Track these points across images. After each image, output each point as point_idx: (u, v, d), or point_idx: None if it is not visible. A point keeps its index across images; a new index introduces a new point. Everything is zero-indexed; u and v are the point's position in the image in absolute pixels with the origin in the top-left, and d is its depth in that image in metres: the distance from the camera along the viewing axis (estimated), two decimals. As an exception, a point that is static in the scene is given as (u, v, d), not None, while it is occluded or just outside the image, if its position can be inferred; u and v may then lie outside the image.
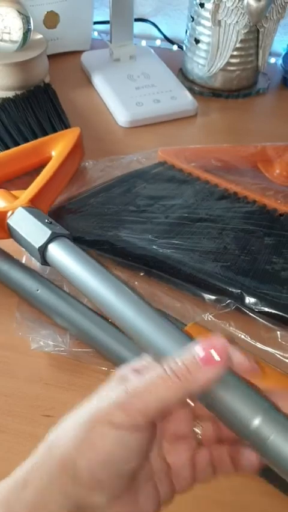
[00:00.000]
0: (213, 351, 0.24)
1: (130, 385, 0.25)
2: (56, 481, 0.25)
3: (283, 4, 0.67)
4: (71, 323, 0.42)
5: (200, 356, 0.24)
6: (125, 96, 0.70)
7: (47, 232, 0.41)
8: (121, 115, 0.68)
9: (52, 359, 0.42)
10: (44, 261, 0.41)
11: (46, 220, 0.42)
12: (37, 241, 0.41)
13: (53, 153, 0.57)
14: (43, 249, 0.40)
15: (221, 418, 0.27)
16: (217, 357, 0.24)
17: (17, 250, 0.48)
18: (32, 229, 0.42)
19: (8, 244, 0.49)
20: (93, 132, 0.66)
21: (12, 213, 0.45)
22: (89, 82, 0.76)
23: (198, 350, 0.25)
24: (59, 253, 0.39)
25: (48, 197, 0.51)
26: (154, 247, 0.48)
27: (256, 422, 0.26)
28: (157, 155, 0.60)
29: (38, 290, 0.44)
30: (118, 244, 0.49)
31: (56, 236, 0.40)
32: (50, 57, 0.74)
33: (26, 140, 0.60)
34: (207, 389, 0.25)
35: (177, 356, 0.25)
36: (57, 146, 0.57)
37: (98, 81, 0.74)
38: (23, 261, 0.48)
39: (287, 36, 0.83)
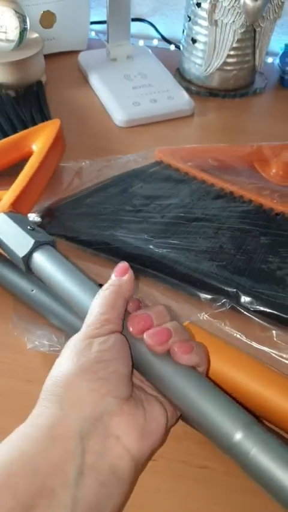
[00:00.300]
0: (119, 268, 0.35)
1: (92, 309, 0.33)
2: (67, 399, 0.29)
3: (280, 4, 0.67)
4: (66, 323, 0.42)
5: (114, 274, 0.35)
6: (122, 96, 0.70)
7: (30, 242, 0.40)
8: (118, 115, 0.68)
9: (48, 358, 0.42)
10: (29, 269, 0.40)
11: (29, 227, 0.42)
12: (20, 251, 0.40)
13: (34, 147, 0.55)
14: (27, 259, 0.40)
15: (202, 430, 0.29)
16: (126, 266, 0.35)
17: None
18: (15, 238, 0.41)
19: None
20: (90, 132, 0.66)
21: None
22: (86, 81, 0.76)
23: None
24: (42, 262, 0.39)
25: (30, 198, 0.50)
26: (150, 246, 0.48)
27: (238, 436, 0.27)
28: (154, 154, 0.60)
29: (33, 291, 0.44)
30: (114, 244, 0.49)
31: (39, 245, 0.40)
32: (47, 57, 0.74)
33: (6, 136, 0.59)
34: (131, 286, 0.34)
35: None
36: (38, 140, 0.56)
37: (95, 81, 0.74)
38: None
39: (284, 36, 0.83)
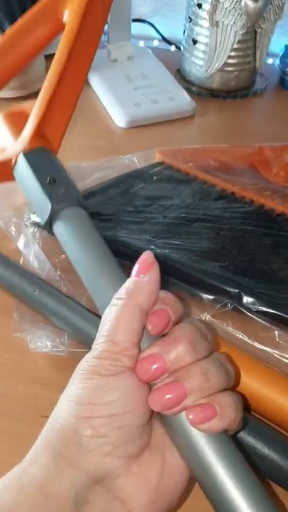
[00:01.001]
0: (140, 263, 0.28)
1: (97, 338, 0.27)
2: (62, 454, 0.24)
3: (280, 5, 0.67)
4: (69, 324, 0.42)
5: (134, 272, 0.27)
6: (122, 96, 0.70)
7: (47, 206, 0.33)
8: (119, 116, 0.68)
9: (50, 359, 0.42)
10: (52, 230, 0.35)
11: (48, 180, 0.34)
12: (41, 214, 0.34)
13: (66, 15, 0.37)
14: (48, 225, 0.34)
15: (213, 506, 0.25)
16: (149, 260, 0.27)
17: (14, 252, 0.48)
18: (34, 194, 0.34)
19: (5, 246, 0.49)
20: (90, 132, 0.66)
21: (15, 161, 0.35)
22: (86, 82, 0.76)
23: (133, 270, 0.28)
24: (62, 231, 0.33)
25: (62, 111, 0.37)
26: (152, 247, 0.48)
27: None
28: (155, 155, 0.60)
29: (35, 292, 0.44)
30: (116, 245, 0.49)
31: (62, 209, 0.33)
32: (48, 57, 0.74)
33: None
34: (153, 293, 0.27)
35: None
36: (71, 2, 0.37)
37: (95, 81, 0.74)
38: (20, 262, 0.48)
39: (285, 37, 0.83)
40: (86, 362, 0.26)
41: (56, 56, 0.36)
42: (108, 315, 0.27)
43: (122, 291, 0.27)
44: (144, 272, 0.27)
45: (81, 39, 0.36)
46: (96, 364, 0.25)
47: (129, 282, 0.27)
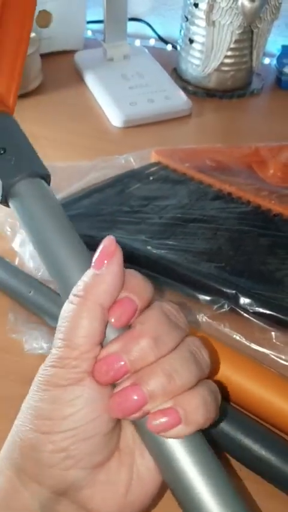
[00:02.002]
0: (100, 252, 0.24)
1: (55, 339, 0.24)
2: (24, 468, 0.23)
3: (277, 5, 0.67)
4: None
5: (93, 263, 0.24)
6: (118, 96, 0.69)
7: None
8: (115, 115, 0.67)
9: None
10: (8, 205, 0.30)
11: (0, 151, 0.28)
12: None
13: None
14: (4, 201, 0.29)
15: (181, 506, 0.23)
16: (111, 248, 0.24)
17: (9, 252, 0.48)
18: None
19: (0, 246, 0.49)
20: (86, 132, 0.66)
21: None
22: (82, 81, 0.75)
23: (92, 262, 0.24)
24: (18, 205, 0.28)
25: (12, 54, 0.31)
26: (148, 247, 0.48)
27: None
28: (151, 155, 0.60)
29: (30, 292, 0.43)
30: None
31: (14, 184, 0.28)
32: (43, 56, 0.74)
33: None
34: (116, 288, 0.24)
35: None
36: None
37: (91, 80, 0.74)
38: (16, 263, 0.48)
39: (281, 37, 0.83)
40: (43, 371, 0.24)
41: None
42: (65, 314, 0.24)
43: (80, 287, 0.24)
44: (107, 261, 0.23)
45: None
46: (52, 374, 0.23)
47: (87, 276, 0.24)
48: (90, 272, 0.24)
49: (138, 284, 0.24)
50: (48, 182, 0.29)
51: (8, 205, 0.29)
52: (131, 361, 0.23)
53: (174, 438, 0.23)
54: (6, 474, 0.23)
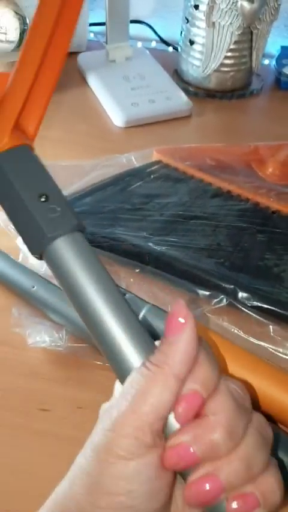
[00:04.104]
0: (172, 318, 0.23)
1: (119, 404, 0.23)
2: None
3: (276, 6, 0.68)
4: (67, 319, 0.43)
5: (166, 329, 0.23)
6: (120, 96, 0.70)
7: (39, 234, 0.25)
8: (117, 115, 0.68)
9: (48, 354, 0.43)
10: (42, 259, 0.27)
11: (39, 196, 0.25)
12: (29, 243, 0.26)
13: None
14: (39, 256, 0.26)
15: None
16: (181, 320, 0.23)
17: (13, 248, 0.49)
18: (18, 215, 0.26)
19: (4, 243, 0.50)
20: (89, 132, 0.67)
21: None
22: (85, 82, 0.76)
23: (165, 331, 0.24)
24: (57, 264, 0.25)
25: (44, 92, 0.29)
26: (149, 244, 0.48)
27: None
28: (152, 154, 0.61)
29: (33, 287, 0.44)
30: (114, 242, 0.49)
31: (58, 237, 0.25)
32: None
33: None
34: (191, 357, 0.23)
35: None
36: None
37: (94, 81, 0.75)
38: (19, 259, 0.48)
39: (281, 38, 0.84)
40: (103, 435, 0.23)
41: (33, 25, 0.29)
42: (135, 380, 0.23)
43: (157, 356, 0.23)
44: (178, 330, 0.23)
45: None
46: (115, 443, 0.22)
47: (164, 345, 0.23)
48: (164, 342, 0.23)
49: (206, 371, 0.23)
50: (82, 230, 0.27)
51: (41, 259, 0.26)
52: (203, 453, 0.22)
53: None
54: None
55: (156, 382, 0.22)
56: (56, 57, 0.29)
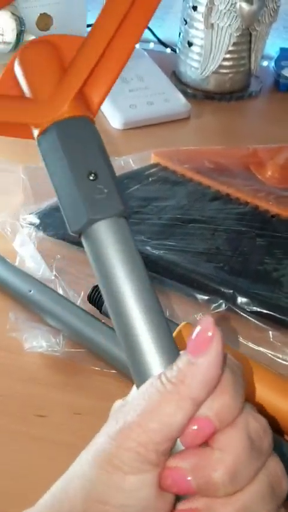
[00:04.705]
0: (197, 336, 0.21)
1: (127, 413, 0.21)
2: None
3: (275, 8, 0.68)
4: (64, 324, 0.43)
5: (190, 346, 0.21)
6: (118, 98, 0.70)
7: (81, 213, 0.24)
8: (115, 117, 0.68)
9: (45, 359, 0.42)
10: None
11: (88, 174, 0.24)
12: (70, 219, 0.25)
13: None
14: (78, 234, 0.25)
15: None
16: (208, 336, 0.21)
17: (10, 252, 0.49)
18: (63, 188, 0.25)
19: (1, 246, 0.50)
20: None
21: (43, 130, 0.25)
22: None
23: (188, 345, 0.21)
24: (96, 248, 0.24)
25: (114, 63, 0.28)
26: (147, 248, 0.48)
27: None
28: (150, 157, 0.60)
29: (30, 291, 0.44)
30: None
31: (98, 220, 0.24)
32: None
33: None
34: (213, 382, 0.21)
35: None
36: None
37: (91, 83, 0.74)
38: (16, 263, 0.48)
39: (279, 40, 0.83)
40: (105, 442, 0.21)
41: None
42: (148, 392, 0.21)
43: (174, 372, 0.21)
44: (203, 350, 0.21)
45: None
46: (115, 454, 0.21)
47: (183, 362, 0.21)
48: (186, 359, 0.21)
49: (227, 399, 0.21)
50: (126, 217, 0.25)
51: (79, 238, 0.25)
52: (198, 486, 0.21)
53: None
54: None
55: (170, 401, 0.21)
56: (133, 28, 0.27)
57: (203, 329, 0.21)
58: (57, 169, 0.25)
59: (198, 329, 0.21)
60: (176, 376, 0.21)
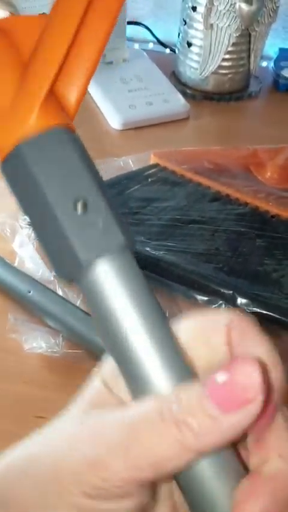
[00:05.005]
0: (233, 389, 0.16)
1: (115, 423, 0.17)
2: None
3: (274, 8, 0.68)
4: (63, 325, 0.43)
5: (212, 396, 0.16)
6: (117, 99, 0.70)
7: (72, 255, 0.18)
8: (114, 118, 0.68)
9: (45, 360, 0.42)
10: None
11: (75, 205, 0.18)
12: (58, 264, 0.19)
13: None
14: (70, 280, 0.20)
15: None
16: (250, 394, 0.15)
17: (9, 252, 0.48)
18: (47, 232, 0.19)
19: (0, 247, 0.49)
20: (85, 135, 0.66)
21: (5, 157, 0.19)
22: (81, 84, 0.76)
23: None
24: (96, 296, 0.19)
25: (88, 55, 0.20)
26: (147, 249, 0.48)
27: None
28: (150, 157, 0.60)
29: (30, 292, 0.44)
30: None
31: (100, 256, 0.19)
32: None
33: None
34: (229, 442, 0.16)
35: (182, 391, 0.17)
36: None
37: (90, 84, 0.73)
38: (15, 264, 0.48)
39: (278, 40, 0.83)
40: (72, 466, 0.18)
41: None
42: (149, 417, 0.16)
43: (182, 411, 0.16)
44: (234, 408, 0.15)
45: None
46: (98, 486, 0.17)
47: (196, 399, 0.16)
48: (210, 413, 0.16)
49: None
50: (131, 248, 0.19)
51: (72, 283, 0.20)
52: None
53: None
54: None
55: (169, 442, 0.16)
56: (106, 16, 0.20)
57: (246, 386, 0.15)
58: (32, 205, 0.19)
59: (238, 378, 0.16)
60: (184, 419, 0.16)
